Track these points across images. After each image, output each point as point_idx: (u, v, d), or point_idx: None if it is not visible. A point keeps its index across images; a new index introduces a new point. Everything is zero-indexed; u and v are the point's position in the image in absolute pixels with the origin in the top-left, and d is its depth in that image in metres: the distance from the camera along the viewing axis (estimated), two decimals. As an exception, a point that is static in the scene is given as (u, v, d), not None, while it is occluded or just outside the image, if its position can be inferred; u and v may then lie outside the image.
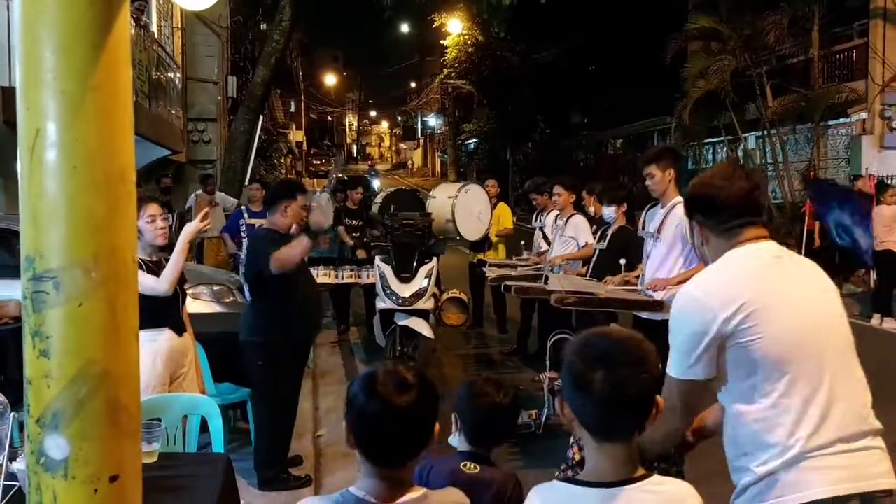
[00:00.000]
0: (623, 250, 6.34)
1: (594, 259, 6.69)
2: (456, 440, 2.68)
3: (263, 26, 24.00)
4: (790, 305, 2.15)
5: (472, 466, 2.56)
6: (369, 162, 26.66)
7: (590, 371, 1.69)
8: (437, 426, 1.85)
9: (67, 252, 1.24)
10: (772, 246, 2.28)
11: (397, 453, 1.80)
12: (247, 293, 4.99)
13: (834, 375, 2.11)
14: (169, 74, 14.99)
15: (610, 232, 6.68)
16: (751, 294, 2.12)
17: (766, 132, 17.92)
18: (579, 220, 7.30)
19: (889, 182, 13.66)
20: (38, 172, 1.22)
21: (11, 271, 6.87)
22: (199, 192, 10.88)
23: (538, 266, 7.52)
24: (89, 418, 1.27)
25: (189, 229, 4.30)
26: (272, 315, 4.79)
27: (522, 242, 8.81)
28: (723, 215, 2.28)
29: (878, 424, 2.17)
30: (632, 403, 1.70)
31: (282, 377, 4.89)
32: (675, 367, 2.19)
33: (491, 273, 7.24)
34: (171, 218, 11.58)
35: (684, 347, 2.17)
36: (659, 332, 4.58)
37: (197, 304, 7.22)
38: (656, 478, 1.76)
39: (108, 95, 1.25)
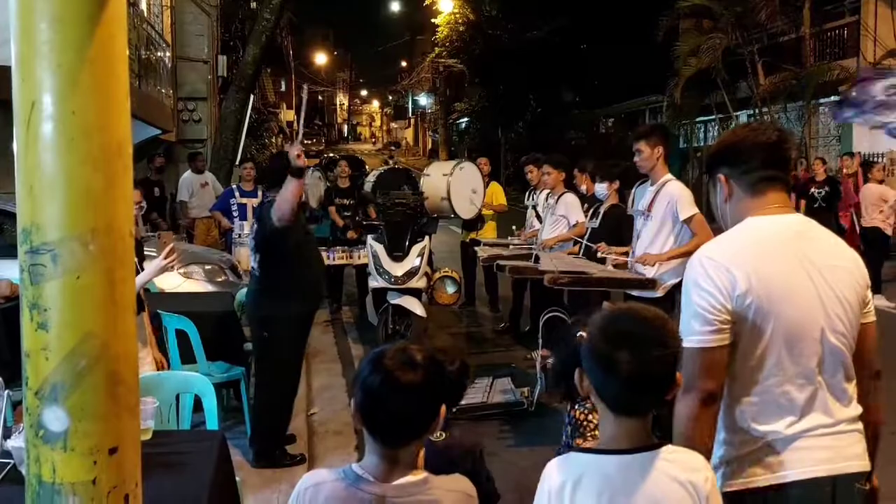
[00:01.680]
0: (615, 228, 6.37)
1: (586, 237, 6.70)
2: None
3: (253, 5, 23.82)
4: (794, 291, 2.06)
5: (439, 434, 2.67)
6: (392, 148, 26.01)
7: (615, 350, 1.71)
8: (442, 409, 1.83)
9: (65, 225, 1.24)
10: (793, 219, 2.18)
11: (399, 432, 1.79)
12: (254, 262, 4.97)
13: (825, 362, 2.08)
14: (158, 53, 14.89)
15: (602, 210, 6.70)
16: (761, 273, 2.04)
17: (757, 110, 17.95)
18: (570, 198, 7.30)
19: (875, 160, 13.72)
20: (34, 145, 1.22)
21: (3, 251, 6.86)
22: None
23: (530, 245, 7.54)
24: (88, 391, 1.28)
25: (153, 267, 4.31)
26: (282, 287, 4.82)
27: (514, 227, 8.81)
28: (749, 164, 2.18)
29: (858, 409, 2.14)
30: (655, 382, 1.74)
31: (287, 351, 4.93)
32: (696, 335, 2.03)
33: (483, 252, 7.25)
34: (164, 197, 11.56)
35: (705, 310, 2.03)
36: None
37: (189, 283, 7.24)
38: (670, 446, 1.80)
39: (104, 68, 1.25)
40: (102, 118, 1.25)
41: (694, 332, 2.03)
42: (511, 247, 7.77)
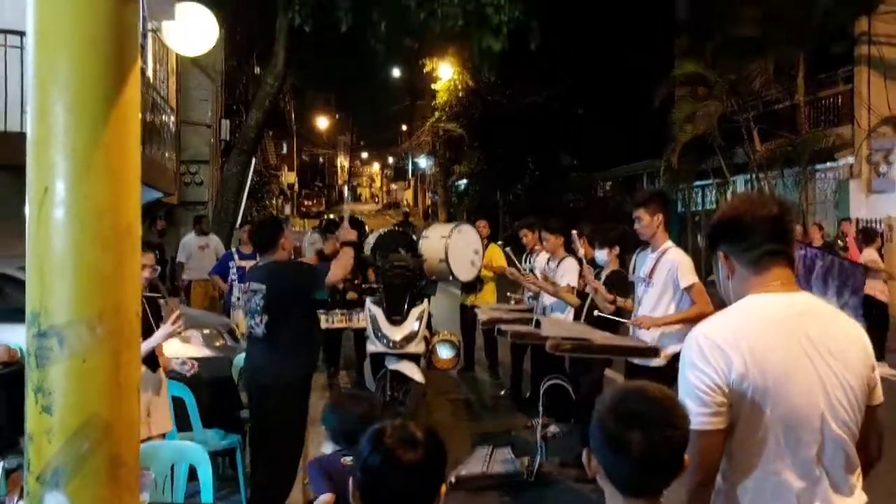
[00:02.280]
0: (617, 293, 6.35)
1: (587, 303, 6.68)
2: (328, 447, 3.37)
3: (257, 70, 24.23)
4: (794, 375, 1.99)
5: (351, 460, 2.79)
6: (405, 217, 25.96)
7: (626, 430, 1.69)
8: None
9: (73, 308, 1.24)
10: (797, 298, 2.10)
11: None
12: (258, 328, 4.90)
13: (825, 451, 2.01)
14: (163, 118, 15.07)
15: (603, 276, 6.69)
16: (758, 356, 1.98)
17: (754, 176, 18.11)
18: (571, 262, 7.30)
19: (874, 227, 13.79)
20: (45, 228, 1.23)
21: (3, 315, 6.81)
22: (169, 299, 10.07)
23: (530, 308, 7.53)
24: (90, 475, 1.26)
25: (160, 333, 4.36)
26: (293, 350, 4.85)
27: (509, 294, 8.80)
28: (749, 240, 2.10)
29: (861, 500, 2.07)
30: (666, 463, 1.71)
31: (297, 416, 4.90)
32: (694, 420, 1.92)
33: (483, 315, 7.22)
34: (164, 260, 11.57)
35: (701, 391, 1.99)
36: (655, 378, 4.59)
37: (186, 347, 7.18)
38: None
39: (117, 151, 1.27)
40: (113, 200, 1.27)
41: (690, 413, 1.93)
42: (512, 303, 7.74)
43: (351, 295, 9.25)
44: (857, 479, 2.07)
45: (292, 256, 5.21)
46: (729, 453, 2.03)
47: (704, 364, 2.00)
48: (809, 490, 2.00)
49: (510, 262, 8.35)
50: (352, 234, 5.21)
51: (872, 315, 10.14)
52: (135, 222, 1.31)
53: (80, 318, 1.24)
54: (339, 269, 4.98)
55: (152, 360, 4.56)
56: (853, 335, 2.11)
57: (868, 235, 11.09)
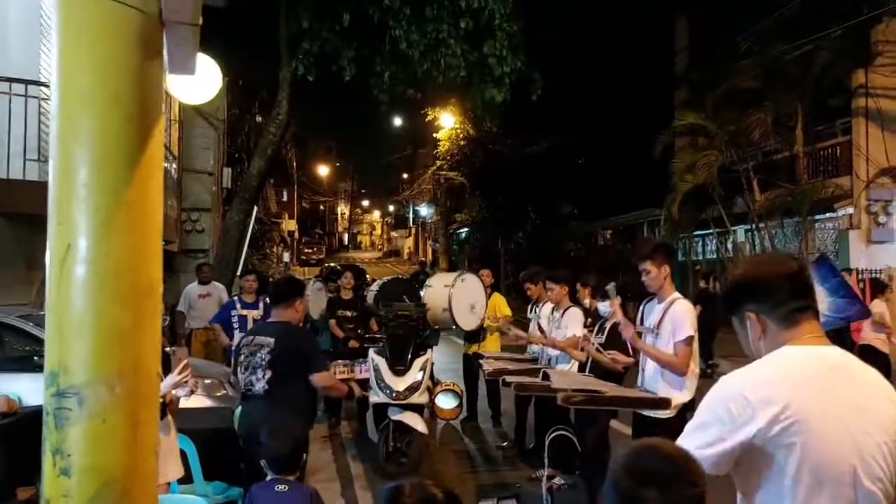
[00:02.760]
0: (621, 342, 6.32)
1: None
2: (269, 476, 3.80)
3: (259, 118, 24.48)
4: (834, 424, 1.98)
5: (283, 487, 3.69)
6: (422, 267, 25.61)
7: (641, 488, 1.68)
8: None
9: (92, 366, 1.21)
10: (829, 352, 2.12)
11: None
12: (259, 383, 4.84)
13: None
14: (165, 166, 15.17)
15: (608, 326, 6.67)
16: (795, 407, 1.97)
17: (754, 225, 18.17)
18: (576, 312, 7.28)
19: (881, 278, 13.78)
20: (66, 286, 1.21)
21: (2, 365, 6.75)
22: (176, 349, 10.02)
23: (534, 358, 7.48)
24: (107, 541, 1.23)
25: (167, 382, 4.33)
26: (296, 407, 4.82)
27: (500, 320, 8.78)
28: (777, 297, 2.13)
29: None
30: None
31: (302, 470, 4.82)
32: (692, 445, 2.01)
33: (488, 366, 7.15)
34: (165, 308, 11.54)
35: (707, 434, 2.04)
36: (662, 430, 4.55)
37: (193, 400, 7.10)
38: None
39: (140, 210, 1.26)
40: (135, 258, 1.26)
41: (690, 444, 2.01)
42: (517, 360, 7.68)
43: (353, 343, 9.21)
44: None
45: (301, 322, 5.27)
46: (760, 494, 2.03)
47: (724, 411, 2.03)
48: None
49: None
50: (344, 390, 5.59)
51: (873, 365, 10.03)
52: (156, 280, 1.30)
53: (100, 376, 1.21)
54: (326, 382, 5.09)
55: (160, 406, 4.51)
56: (885, 391, 2.12)
57: (879, 286, 10.98)
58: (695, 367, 5.07)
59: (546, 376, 5.92)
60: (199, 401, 7.09)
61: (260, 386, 4.79)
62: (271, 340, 4.85)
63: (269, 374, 4.79)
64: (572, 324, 7.16)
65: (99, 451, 1.23)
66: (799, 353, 2.09)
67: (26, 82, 8.94)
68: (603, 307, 6.76)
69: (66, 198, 1.23)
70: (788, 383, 2.03)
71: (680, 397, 4.99)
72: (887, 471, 2.02)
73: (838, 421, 2.00)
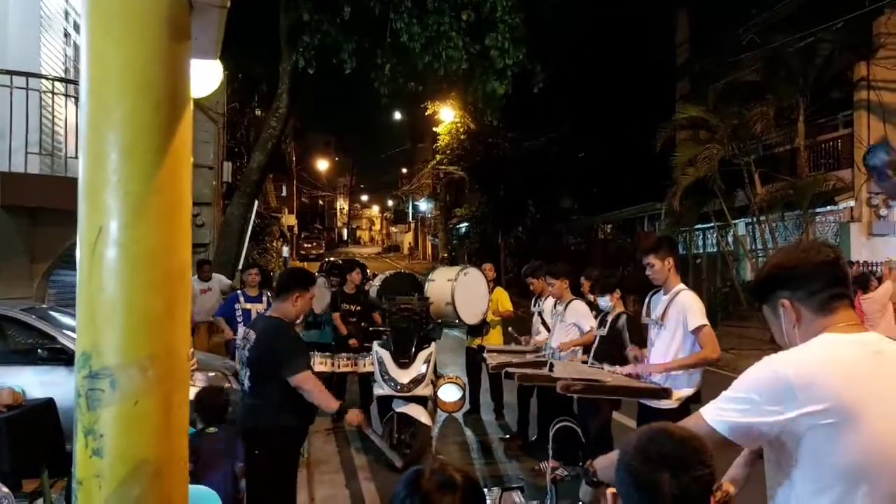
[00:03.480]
0: (623, 335, 6.35)
1: (595, 345, 6.67)
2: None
3: (259, 112, 24.45)
4: (879, 413, 1.94)
5: (213, 429, 4.71)
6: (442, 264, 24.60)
7: (655, 472, 1.70)
8: None
9: (125, 349, 1.22)
10: (871, 338, 2.08)
11: None
12: (245, 379, 4.81)
13: None
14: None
15: (609, 318, 6.69)
16: (840, 396, 1.94)
17: (755, 219, 18.18)
18: (579, 305, 7.29)
19: (873, 270, 13.81)
20: (97, 270, 1.22)
21: (5, 358, 6.76)
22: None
23: (539, 352, 7.49)
24: (140, 522, 1.23)
25: None
26: (277, 404, 4.62)
27: (510, 328, 8.78)
28: (813, 284, 2.12)
29: None
30: (694, 502, 1.71)
31: (284, 467, 4.76)
32: (713, 411, 2.06)
33: (492, 360, 7.15)
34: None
35: (739, 405, 2.03)
36: (664, 420, 4.55)
37: (190, 391, 7.12)
38: None
39: (170, 196, 1.26)
40: (167, 244, 1.26)
41: (717, 410, 2.05)
42: (527, 355, 7.69)
43: (353, 342, 9.19)
44: None
45: (299, 319, 4.95)
46: (794, 494, 2.02)
47: (759, 393, 2.01)
48: None
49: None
50: (354, 421, 4.83)
51: None
52: (186, 266, 1.30)
53: (132, 359, 1.22)
54: (301, 385, 4.56)
55: None
56: None
57: (862, 281, 10.39)
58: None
59: (552, 367, 5.92)
60: (203, 393, 7.10)
61: (246, 382, 4.76)
62: (254, 336, 4.71)
63: (248, 371, 4.70)
64: (582, 319, 7.18)
65: (131, 433, 1.24)
66: (841, 340, 2.06)
67: (27, 75, 8.93)
68: (602, 302, 6.77)
69: (98, 183, 1.23)
70: (834, 372, 1.99)
71: (685, 390, 5.01)
72: None
73: (887, 408, 1.96)
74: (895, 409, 1.96)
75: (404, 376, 7.33)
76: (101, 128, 1.23)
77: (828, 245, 2.23)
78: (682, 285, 5.18)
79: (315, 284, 5.25)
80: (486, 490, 6.10)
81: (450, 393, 9.15)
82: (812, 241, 2.26)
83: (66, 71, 10.85)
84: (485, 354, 7.56)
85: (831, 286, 2.12)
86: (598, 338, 6.69)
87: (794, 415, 1.96)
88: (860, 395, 1.96)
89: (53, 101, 9.85)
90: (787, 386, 1.98)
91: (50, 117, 9.86)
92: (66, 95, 9.76)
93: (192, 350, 4.44)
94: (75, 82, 9.64)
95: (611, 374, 5.51)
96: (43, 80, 9.42)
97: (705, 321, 5.02)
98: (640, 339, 6.04)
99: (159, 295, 1.26)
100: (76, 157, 1.41)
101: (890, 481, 1.94)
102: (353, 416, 4.75)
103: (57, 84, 9.79)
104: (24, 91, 8.85)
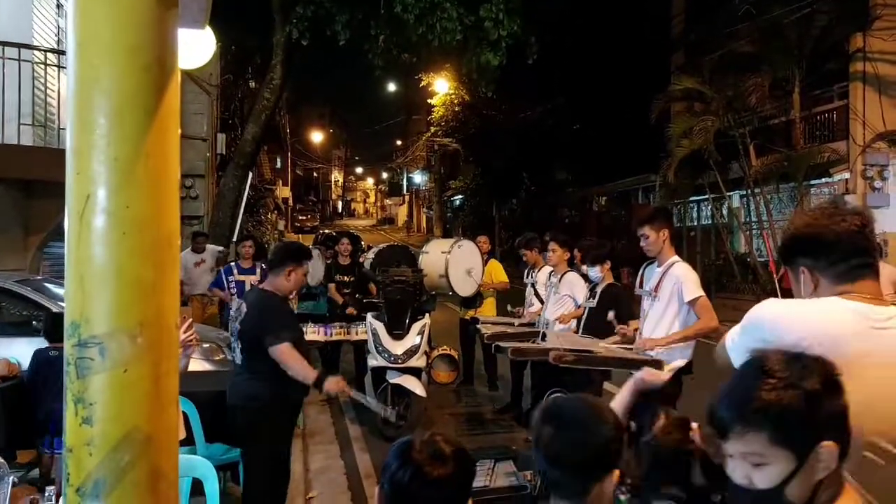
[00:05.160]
0: (613, 307, 6.36)
1: (585, 317, 6.69)
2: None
3: (252, 84, 24.28)
4: (874, 381, 1.88)
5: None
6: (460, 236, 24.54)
7: (541, 425, 1.81)
8: (469, 502, 1.81)
9: (114, 318, 1.22)
10: (879, 312, 2.00)
11: None
12: (237, 352, 4.82)
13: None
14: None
15: (599, 290, 6.70)
16: (797, 345, 1.83)
17: (750, 191, 18.19)
18: (573, 277, 7.30)
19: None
20: (86, 237, 1.21)
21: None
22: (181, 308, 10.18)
23: (532, 324, 7.51)
24: (130, 487, 1.24)
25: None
26: (269, 376, 4.60)
27: (509, 307, 8.79)
28: (833, 255, 2.05)
29: None
30: (575, 459, 1.78)
31: (277, 439, 4.78)
32: (727, 338, 2.14)
33: (487, 330, 7.17)
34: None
35: (734, 337, 2.13)
36: (656, 392, 4.57)
37: (189, 363, 7.14)
38: None
39: (159, 161, 1.25)
40: (154, 210, 1.25)
41: (729, 337, 2.14)
42: (516, 324, 7.72)
43: (350, 310, 9.21)
44: None
45: (292, 294, 4.87)
46: None
47: (748, 332, 2.06)
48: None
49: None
50: (334, 389, 4.75)
51: None
52: (175, 233, 1.30)
53: (122, 327, 1.22)
54: (279, 358, 4.52)
55: None
56: None
57: None
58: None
59: (544, 336, 5.94)
60: (198, 364, 7.12)
61: (238, 356, 4.76)
62: (244, 309, 4.71)
63: (240, 345, 4.71)
64: (576, 290, 7.18)
65: (121, 401, 1.24)
66: (843, 306, 2.00)
67: (19, 46, 8.85)
68: (592, 273, 6.78)
69: (86, 149, 1.23)
70: (810, 327, 1.95)
71: (678, 361, 5.01)
72: None
73: (862, 383, 1.85)
74: (870, 382, 1.88)
75: (398, 348, 7.36)
76: (89, 92, 1.22)
77: (855, 212, 2.12)
78: (676, 257, 5.18)
79: (310, 259, 5.20)
80: (479, 460, 6.16)
81: (444, 365, 9.19)
82: (837, 207, 2.14)
83: (59, 42, 10.76)
84: (479, 326, 7.58)
85: (852, 256, 2.05)
86: (587, 309, 6.71)
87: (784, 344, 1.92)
88: (821, 351, 1.88)
89: (46, 73, 9.77)
90: (760, 325, 2.03)
91: (42, 88, 9.79)
92: (59, 66, 9.69)
93: (191, 321, 4.43)
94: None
95: (605, 347, 5.54)
96: (35, 52, 9.35)
97: (701, 292, 5.03)
98: (628, 311, 6.06)
99: (148, 262, 1.25)
100: (68, 128, 1.41)
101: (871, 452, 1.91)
102: (332, 384, 4.67)
103: (49, 55, 9.71)
104: (16, 62, 8.78)
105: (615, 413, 1.92)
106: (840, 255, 2.05)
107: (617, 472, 1.84)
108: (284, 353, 4.52)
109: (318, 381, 4.60)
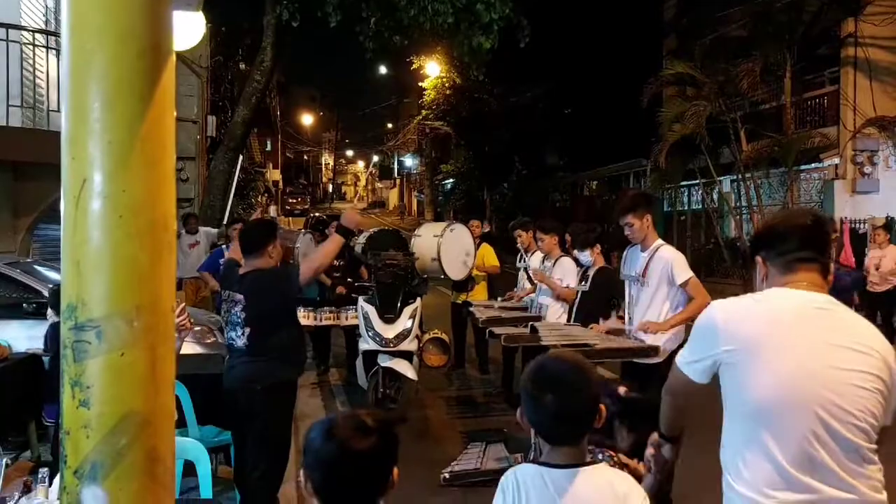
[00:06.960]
0: (606, 290, 6.37)
1: (577, 301, 6.69)
2: None
3: (243, 66, 24.14)
4: (788, 358, 2.08)
5: None
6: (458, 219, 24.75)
7: (541, 392, 2.06)
8: (395, 471, 1.83)
9: (111, 301, 1.22)
10: (820, 298, 2.19)
11: (354, 500, 1.78)
12: (239, 340, 4.76)
13: (816, 437, 2.04)
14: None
15: (591, 274, 6.71)
16: (751, 338, 2.13)
17: (740, 176, 18.23)
18: (567, 261, 7.30)
19: (857, 226, 13.99)
20: (82, 222, 1.21)
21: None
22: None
23: (525, 307, 7.54)
24: (128, 470, 1.25)
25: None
26: (280, 358, 4.68)
27: (498, 297, 8.81)
28: (784, 245, 2.27)
29: (870, 496, 2.07)
30: (577, 417, 2.09)
31: (286, 421, 4.83)
32: (681, 358, 2.34)
33: (481, 314, 7.17)
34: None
35: (692, 350, 2.30)
36: (651, 375, 4.61)
37: (183, 345, 7.14)
38: (603, 466, 2.20)
39: (154, 145, 1.26)
40: (150, 193, 1.26)
41: (683, 357, 2.33)
42: (508, 303, 7.74)
43: (341, 289, 9.19)
44: (855, 479, 2.07)
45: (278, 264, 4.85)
46: (727, 408, 2.24)
47: (711, 333, 2.22)
48: (801, 475, 2.06)
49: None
50: (352, 221, 4.89)
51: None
52: (171, 217, 1.31)
53: (118, 311, 1.22)
54: (323, 259, 4.80)
55: None
56: (876, 343, 2.16)
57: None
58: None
59: (534, 329, 5.93)
60: (190, 347, 7.12)
61: (241, 342, 4.73)
62: (241, 297, 4.66)
63: (247, 330, 4.66)
64: (567, 275, 7.19)
65: (118, 384, 1.25)
66: (789, 294, 2.21)
67: (7, 26, 8.77)
68: (583, 257, 6.79)
69: (80, 133, 1.22)
70: (758, 316, 2.19)
71: (669, 343, 5.04)
72: (856, 411, 2.07)
73: (798, 355, 2.10)
74: (808, 357, 2.09)
75: (390, 331, 7.37)
76: (83, 76, 1.22)
77: (813, 212, 2.44)
78: (660, 241, 5.20)
79: (276, 229, 5.25)
80: (470, 443, 6.22)
81: (435, 348, 9.20)
82: (802, 207, 2.41)
83: (47, 23, 10.66)
84: (471, 309, 7.60)
85: (801, 249, 2.25)
86: (579, 293, 6.72)
87: (715, 352, 2.18)
88: (775, 339, 2.13)
89: (34, 54, 9.68)
90: (713, 327, 2.22)
91: (31, 70, 9.70)
92: (48, 48, 9.61)
93: (184, 305, 4.41)
94: (56, 34, 9.48)
95: (598, 336, 5.54)
96: (23, 32, 9.26)
97: (691, 272, 5.07)
98: (622, 294, 6.07)
99: (144, 246, 1.26)
100: (58, 111, 1.40)
101: (794, 423, 2.07)
102: (347, 218, 4.93)
103: (38, 36, 9.62)
104: (3, 43, 8.70)
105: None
106: (789, 246, 2.26)
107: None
108: (307, 263, 4.75)
109: (339, 228, 4.83)
